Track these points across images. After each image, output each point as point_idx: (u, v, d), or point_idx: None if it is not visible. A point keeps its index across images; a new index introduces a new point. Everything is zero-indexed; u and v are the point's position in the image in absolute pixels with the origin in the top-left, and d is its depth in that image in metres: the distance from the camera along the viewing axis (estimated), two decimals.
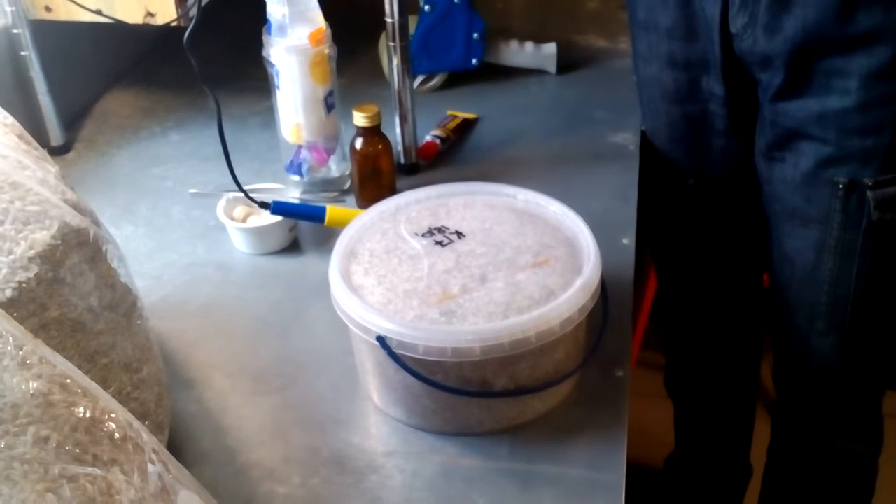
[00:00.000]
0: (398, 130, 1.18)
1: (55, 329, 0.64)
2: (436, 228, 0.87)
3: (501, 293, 0.79)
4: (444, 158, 1.23)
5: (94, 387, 0.53)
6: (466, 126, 1.30)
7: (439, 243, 0.85)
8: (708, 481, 1.56)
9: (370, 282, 0.82)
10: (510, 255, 0.83)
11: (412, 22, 1.26)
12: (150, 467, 0.52)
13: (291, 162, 1.14)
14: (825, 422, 1.22)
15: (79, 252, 0.67)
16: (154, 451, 0.53)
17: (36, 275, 0.62)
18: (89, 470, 0.48)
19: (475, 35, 1.35)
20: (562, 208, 0.89)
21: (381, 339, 0.77)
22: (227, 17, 1.41)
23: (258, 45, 1.08)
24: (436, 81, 1.39)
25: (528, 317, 0.76)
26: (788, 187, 1.05)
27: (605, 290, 0.85)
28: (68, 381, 0.51)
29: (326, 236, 1.06)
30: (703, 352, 1.41)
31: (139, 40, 1.51)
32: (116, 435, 0.51)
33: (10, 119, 0.77)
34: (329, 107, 1.10)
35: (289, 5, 1.04)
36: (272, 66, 1.08)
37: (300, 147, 1.13)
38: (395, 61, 1.13)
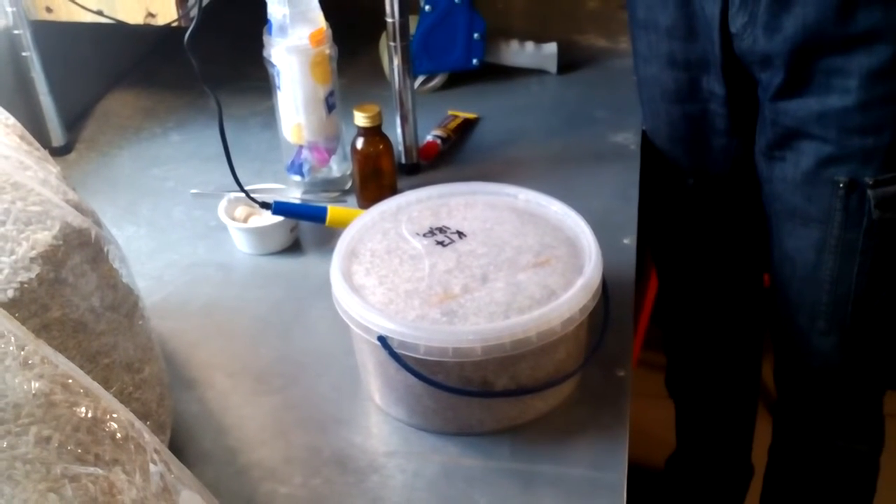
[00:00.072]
0: (399, 130, 1.18)
1: (57, 329, 0.64)
2: (437, 228, 0.87)
3: (502, 293, 0.79)
4: (445, 158, 1.23)
5: (95, 387, 0.53)
6: (467, 126, 1.30)
7: (440, 243, 0.85)
8: (709, 481, 1.56)
9: (371, 282, 0.82)
10: (511, 255, 0.83)
11: (413, 22, 1.25)
12: (152, 467, 0.52)
13: (292, 162, 1.14)
14: (826, 421, 1.22)
15: (80, 252, 0.67)
16: (156, 450, 0.53)
17: (38, 275, 0.62)
18: (91, 470, 0.48)
19: (476, 35, 1.35)
20: (563, 208, 0.89)
21: (383, 339, 0.77)
22: (228, 17, 1.41)
23: (259, 46, 1.08)
24: (436, 81, 1.39)
25: (529, 317, 0.76)
26: (789, 187, 1.05)
27: (607, 289, 0.85)
28: (70, 381, 0.51)
29: (327, 236, 1.06)
30: (704, 352, 1.41)
31: (140, 41, 1.51)
32: (118, 435, 0.51)
33: (12, 120, 0.77)
34: (330, 107, 1.10)
35: (289, 5, 1.04)
36: (273, 66, 1.08)
37: (301, 147, 1.13)
38: (396, 61, 1.13)
